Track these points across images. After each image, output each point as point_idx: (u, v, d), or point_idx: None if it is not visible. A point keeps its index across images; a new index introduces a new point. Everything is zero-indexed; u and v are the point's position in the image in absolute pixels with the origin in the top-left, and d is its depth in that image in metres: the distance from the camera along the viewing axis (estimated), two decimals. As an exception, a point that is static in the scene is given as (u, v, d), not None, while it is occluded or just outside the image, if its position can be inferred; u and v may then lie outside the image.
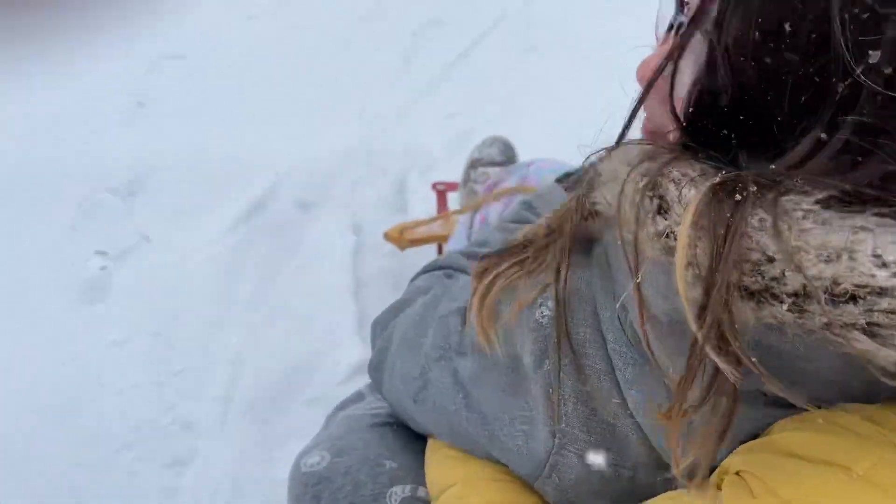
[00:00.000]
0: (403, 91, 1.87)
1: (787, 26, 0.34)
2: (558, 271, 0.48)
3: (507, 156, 1.41)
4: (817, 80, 0.33)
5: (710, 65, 0.37)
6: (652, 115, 0.47)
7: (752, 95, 0.36)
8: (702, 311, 0.35)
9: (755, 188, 0.35)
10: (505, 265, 0.52)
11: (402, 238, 1.40)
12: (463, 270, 0.74)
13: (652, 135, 0.47)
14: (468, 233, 1.09)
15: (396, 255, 1.49)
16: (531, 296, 0.50)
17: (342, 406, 0.77)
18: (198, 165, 1.70)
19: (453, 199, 1.52)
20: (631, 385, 0.45)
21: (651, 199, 0.38)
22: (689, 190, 0.37)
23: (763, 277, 0.34)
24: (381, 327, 0.71)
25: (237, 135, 1.77)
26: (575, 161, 1.15)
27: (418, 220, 1.45)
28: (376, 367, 0.69)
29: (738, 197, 0.35)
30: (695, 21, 0.38)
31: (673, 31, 0.42)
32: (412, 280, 0.78)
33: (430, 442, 0.65)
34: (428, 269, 0.77)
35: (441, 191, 1.54)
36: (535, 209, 0.79)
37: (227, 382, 1.35)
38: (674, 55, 0.40)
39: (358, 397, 0.79)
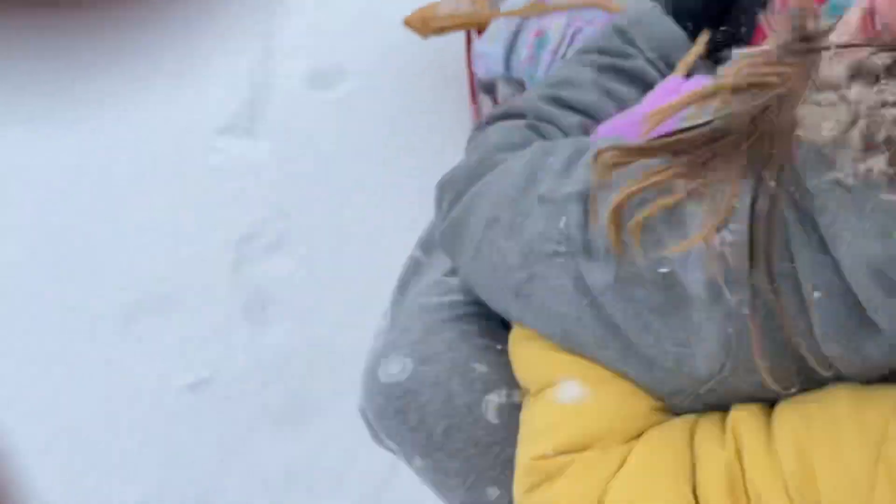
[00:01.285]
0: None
1: None
2: (754, 202, 0.43)
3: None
4: None
5: None
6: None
7: None
8: None
9: None
10: (642, 179, 0.46)
11: (426, 25, 1.23)
12: (550, 122, 0.64)
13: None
14: (509, 43, 0.93)
15: None
16: (710, 227, 0.44)
17: (403, 285, 0.69)
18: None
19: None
20: (831, 339, 0.42)
21: None
22: None
23: None
24: (453, 193, 0.61)
25: None
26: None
27: None
28: (451, 241, 0.61)
29: None
30: None
31: None
32: (478, 129, 0.67)
33: (515, 330, 0.58)
34: (501, 116, 0.66)
35: (460, -39, 1.33)
36: (630, 37, 0.69)
37: None
38: None
39: (416, 267, 0.71)
